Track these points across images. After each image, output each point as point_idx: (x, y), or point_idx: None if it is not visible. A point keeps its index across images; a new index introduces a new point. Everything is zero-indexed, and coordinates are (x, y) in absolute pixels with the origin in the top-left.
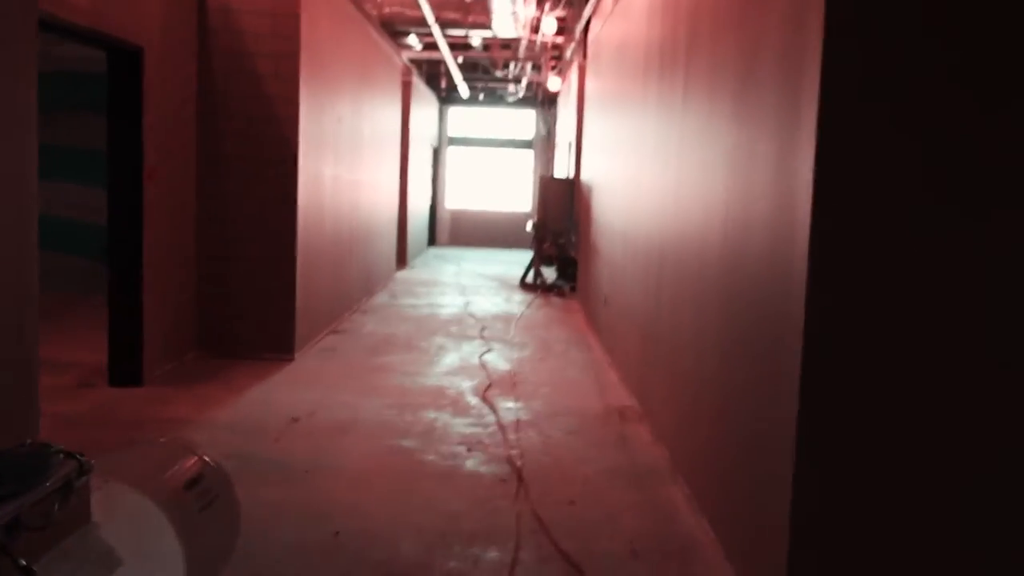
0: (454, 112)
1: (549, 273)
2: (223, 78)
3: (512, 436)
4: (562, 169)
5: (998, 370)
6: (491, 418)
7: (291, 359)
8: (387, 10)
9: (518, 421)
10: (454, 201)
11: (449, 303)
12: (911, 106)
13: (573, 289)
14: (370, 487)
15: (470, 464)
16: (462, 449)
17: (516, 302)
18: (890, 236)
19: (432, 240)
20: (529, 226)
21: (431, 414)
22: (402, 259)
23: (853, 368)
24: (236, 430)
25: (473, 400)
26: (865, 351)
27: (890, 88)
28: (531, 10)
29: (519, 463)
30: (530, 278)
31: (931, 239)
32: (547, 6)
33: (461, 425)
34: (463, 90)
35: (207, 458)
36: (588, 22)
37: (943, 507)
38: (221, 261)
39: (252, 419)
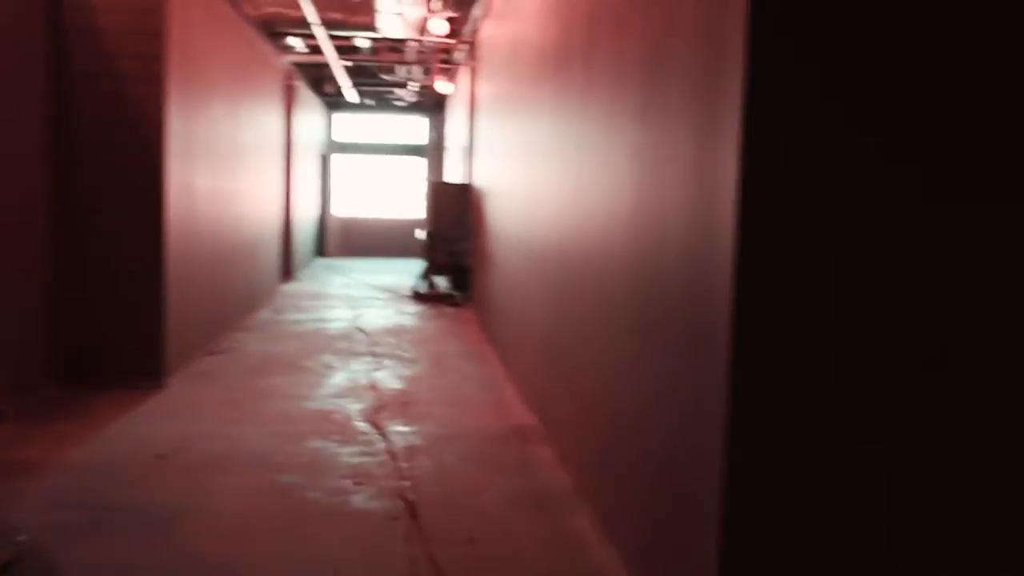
0: (343, 118)
1: (442, 283)
2: (81, 80)
3: (404, 465)
4: (455, 174)
5: (938, 374)
6: (381, 445)
7: (161, 386)
8: (266, 10)
9: (410, 447)
10: (344, 210)
11: (338, 317)
12: (852, 87)
13: (468, 299)
14: (244, 535)
15: (358, 501)
16: (349, 483)
17: (408, 314)
18: (826, 237)
19: (321, 251)
20: (420, 234)
21: (316, 443)
22: (288, 272)
23: (787, 379)
24: (92, 472)
25: (362, 425)
26: (800, 362)
27: (828, 65)
28: (419, 10)
29: (412, 496)
30: (423, 288)
31: (873, 238)
32: (435, 5)
33: (348, 455)
34: (351, 95)
35: (22, 538)
36: (478, 23)
37: (879, 523)
38: (80, 281)
39: (112, 458)
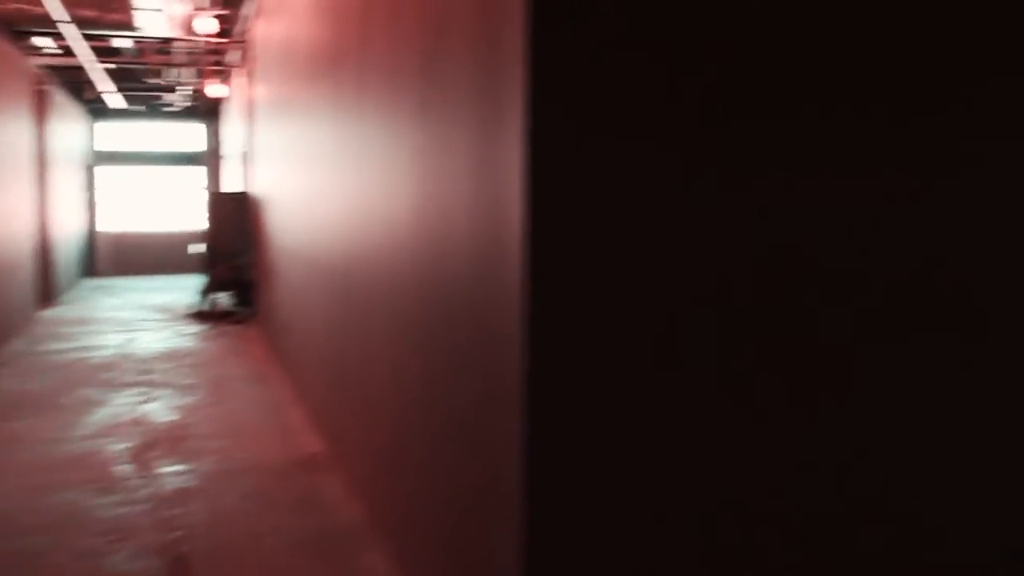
0: (108, 127)
1: (226, 299)
2: None
3: (175, 512)
4: (235, 183)
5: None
6: (147, 490)
7: None
8: (4, 5)
9: (183, 490)
10: (115, 226)
11: (106, 344)
12: (649, 66)
13: (253, 315)
14: None
15: (114, 562)
16: (104, 542)
17: (187, 336)
18: (625, 228)
19: (91, 271)
20: (196, 248)
21: (68, 495)
22: (48, 296)
23: (587, 384)
24: None
25: (125, 468)
26: (602, 366)
27: (620, 47)
28: (183, 7)
29: (184, 549)
30: (204, 306)
31: (678, 231)
32: (201, 2)
33: (107, 506)
34: (115, 101)
35: None
36: (250, 21)
37: (703, 533)
38: None
39: None
